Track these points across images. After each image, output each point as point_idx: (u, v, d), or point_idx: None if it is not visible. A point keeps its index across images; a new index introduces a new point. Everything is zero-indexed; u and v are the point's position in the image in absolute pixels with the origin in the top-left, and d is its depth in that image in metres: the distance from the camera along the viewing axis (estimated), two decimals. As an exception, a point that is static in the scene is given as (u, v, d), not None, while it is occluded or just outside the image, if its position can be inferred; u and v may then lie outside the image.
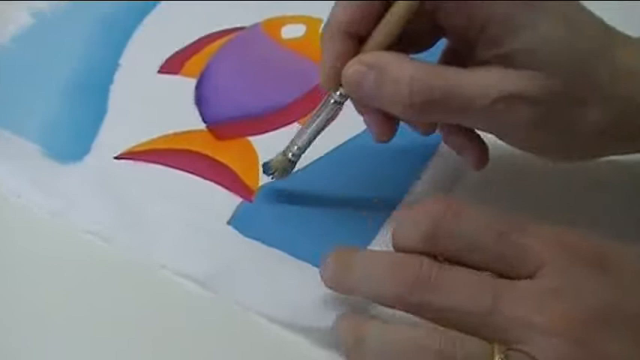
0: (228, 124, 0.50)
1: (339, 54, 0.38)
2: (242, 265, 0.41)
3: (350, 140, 0.48)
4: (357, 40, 0.38)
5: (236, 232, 0.44)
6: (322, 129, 0.42)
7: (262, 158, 0.45)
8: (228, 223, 0.44)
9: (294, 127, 0.48)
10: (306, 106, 0.49)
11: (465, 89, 0.36)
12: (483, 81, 0.36)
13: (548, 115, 0.36)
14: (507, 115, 0.36)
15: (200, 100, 0.51)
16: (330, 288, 0.36)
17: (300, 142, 0.42)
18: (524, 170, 0.44)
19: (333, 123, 0.42)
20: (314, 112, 0.41)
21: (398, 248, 0.35)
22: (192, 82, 0.52)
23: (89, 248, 0.42)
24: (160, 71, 0.52)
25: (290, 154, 0.42)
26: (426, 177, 0.46)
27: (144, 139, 0.48)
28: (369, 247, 0.42)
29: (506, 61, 0.36)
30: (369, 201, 0.45)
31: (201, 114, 0.51)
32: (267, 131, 0.49)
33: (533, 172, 0.44)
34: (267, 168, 0.43)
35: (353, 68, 0.38)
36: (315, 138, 0.42)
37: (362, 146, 0.47)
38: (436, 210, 0.34)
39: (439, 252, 0.34)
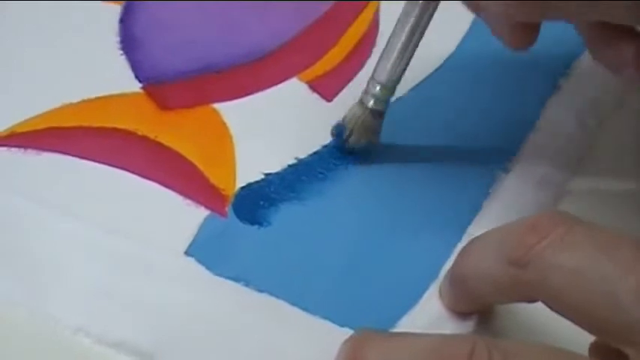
0: (178, 82, 0.42)
1: None
2: (208, 325, 0.34)
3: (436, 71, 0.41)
4: None
5: (199, 266, 0.36)
6: (416, 43, 0.36)
7: (239, 138, 0.39)
8: (187, 252, 0.36)
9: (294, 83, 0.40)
10: (317, 39, 0.42)
11: None
12: None
13: None
14: None
15: (129, 43, 0.43)
16: None
17: (383, 76, 0.36)
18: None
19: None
20: (399, 17, 0.36)
21: (462, 274, 0.32)
22: (114, 9, 0.44)
23: None
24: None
25: (371, 102, 0.37)
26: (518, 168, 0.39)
27: (32, 113, 0.40)
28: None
29: None
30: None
31: (133, 66, 0.42)
32: (249, 91, 0.41)
33: None
34: (340, 130, 0.38)
35: None
36: (407, 62, 0.36)
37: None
38: (538, 226, 0.30)
39: (528, 286, 0.30)
